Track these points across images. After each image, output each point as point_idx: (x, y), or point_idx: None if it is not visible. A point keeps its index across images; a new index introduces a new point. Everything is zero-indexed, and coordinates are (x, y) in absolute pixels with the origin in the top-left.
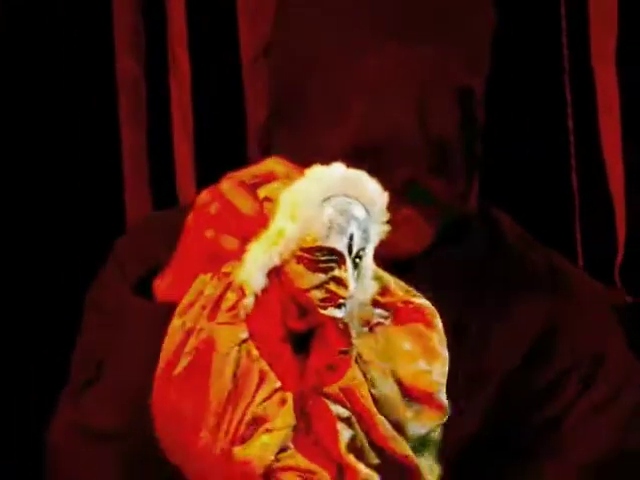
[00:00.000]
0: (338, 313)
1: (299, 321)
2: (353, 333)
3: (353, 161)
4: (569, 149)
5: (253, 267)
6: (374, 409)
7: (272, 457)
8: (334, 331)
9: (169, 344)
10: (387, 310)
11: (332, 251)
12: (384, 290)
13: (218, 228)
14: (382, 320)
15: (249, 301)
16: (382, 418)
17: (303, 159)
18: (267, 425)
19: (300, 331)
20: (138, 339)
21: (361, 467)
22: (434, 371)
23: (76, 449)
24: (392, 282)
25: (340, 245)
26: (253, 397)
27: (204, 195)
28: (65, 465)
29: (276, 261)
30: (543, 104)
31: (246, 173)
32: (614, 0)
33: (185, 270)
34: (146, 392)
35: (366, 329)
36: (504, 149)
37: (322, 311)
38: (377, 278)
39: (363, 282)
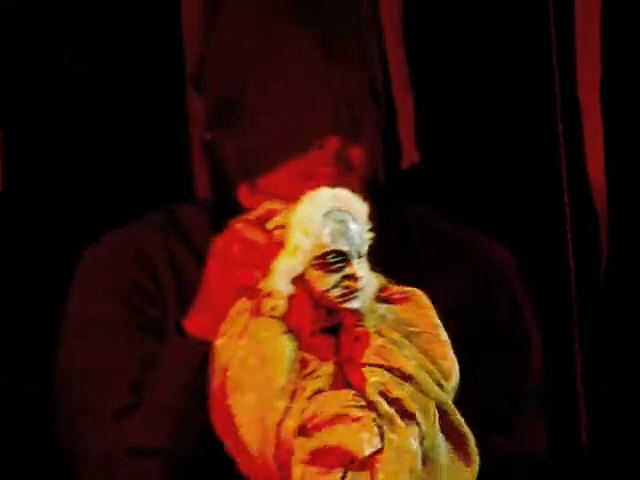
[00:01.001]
0: (355, 304)
1: (327, 319)
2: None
3: (290, 150)
4: (562, 183)
5: (279, 277)
6: (405, 361)
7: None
8: (351, 315)
9: (220, 359)
10: (388, 302)
11: (339, 252)
12: (382, 287)
13: (245, 263)
14: (385, 310)
15: (281, 303)
16: (419, 371)
17: (250, 158)
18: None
19: (329, 326)
20: (180, 372)
21: (385, 406)
22: (440, 334)
23: (123, 468)
24: (383, 279)
25: (344, 247)
26: (303, 388)
27: (221, 241)
28: None
29: (298, 270)
30: (536, 135)
31: (250, 216)
32: (597, 40)
33: (219, 308)
34: (189, 414)
35: (376, 315)
36: (499, 177)
37: (342, 305)
38: (375, 277)
39: (367, 278)
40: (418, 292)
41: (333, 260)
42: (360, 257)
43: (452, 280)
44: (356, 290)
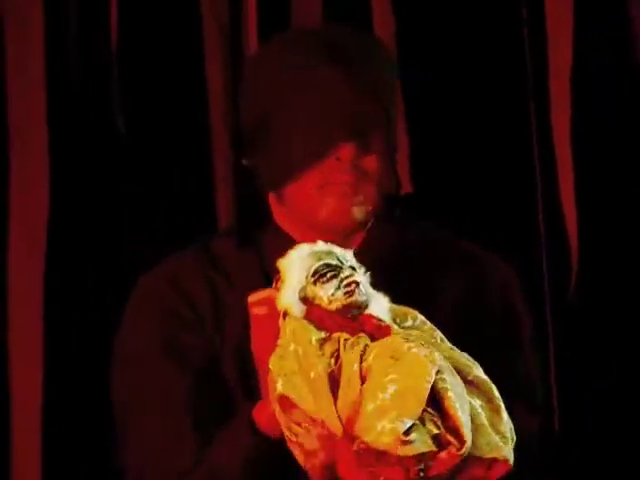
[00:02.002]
0: (361, 297)
1: (350, 324)
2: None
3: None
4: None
5: (287, 297)
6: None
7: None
8: (369, 318)
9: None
10: (402, 327)
11: (329, 265)
12: (393, 311)
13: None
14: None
15: (297, 311)
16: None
17: (276, 171)
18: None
19: (353, 328)
20: (242, 463)
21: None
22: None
23: None
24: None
25: (333, 261)
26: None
27: (255, 309)
28: None
29: (300, 292)
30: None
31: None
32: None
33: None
34: None
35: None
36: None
37: (349, 299)
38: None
39: (375, 296)
40: (417, 314)
41: (327, 270)
42: (354, 269)
43: (452, 284)
44: (357, 284)
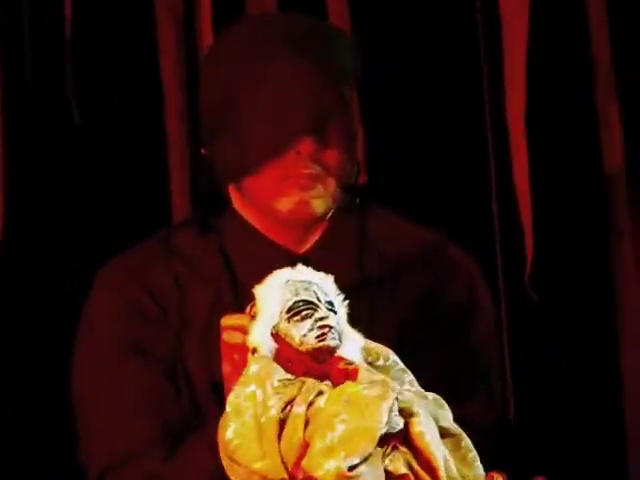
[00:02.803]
0: (332, 342)
1: (317, 366)
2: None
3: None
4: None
5: (258, 335)
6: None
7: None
8: (338, 360)
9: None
10: (374, 367)
11: (306, 301)
12: (366, 350)
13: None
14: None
15: (264, 351)
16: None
17: (235, 163)
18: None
19: (320, 371)
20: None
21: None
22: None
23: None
24: (363, 341)
25: (310, 297)
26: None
27: (225, 348)
28: None
29: (275, 320)
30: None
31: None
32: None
33: None
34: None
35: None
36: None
37: (320, 344)
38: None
39: (346, 333)
40: (390, 353)
41: (302, 308)
42: (331, 309)
43: (415, 276)
44: (330, 328)
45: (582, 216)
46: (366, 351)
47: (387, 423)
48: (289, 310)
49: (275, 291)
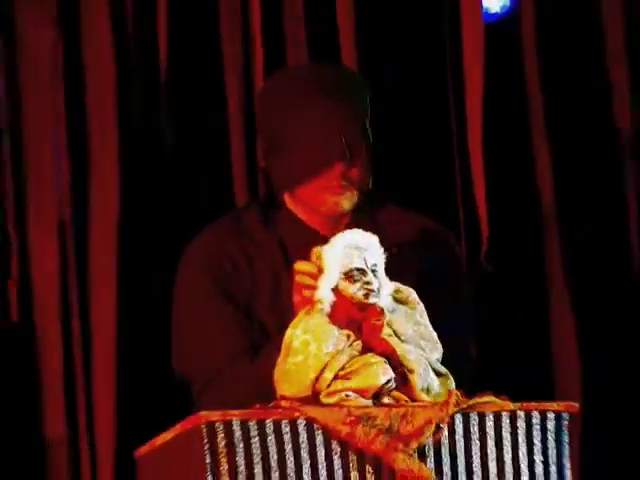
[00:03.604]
0: (373, 299)
1: (358, 315)
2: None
3: (318, 168)
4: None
5: (322, 290)
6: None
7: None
8: (373, 310)
9: (285, 340)
10: (399, 302)
11: (358, 269)
12: (396, 290)
13: (308, 287)
14: (396, 306)
15: (326, 306)
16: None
17: (288, 176)
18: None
19: (359, 319)
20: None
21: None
22: (427, 325)
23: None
24: (394, 285)
25: (360, 264)
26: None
27: (296, 277)
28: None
29: (334, 284)
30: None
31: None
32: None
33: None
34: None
35: (390, 309)
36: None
37: (365, 299)
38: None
39: (382, 284)
40: (413, 294)
41: (355, 273)
42: (374, 271)
43: (415, 250)
44: (372, 291)
45: (521, 211)
46: (396, 291)
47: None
48: (346, 274)
49: (337, 255)
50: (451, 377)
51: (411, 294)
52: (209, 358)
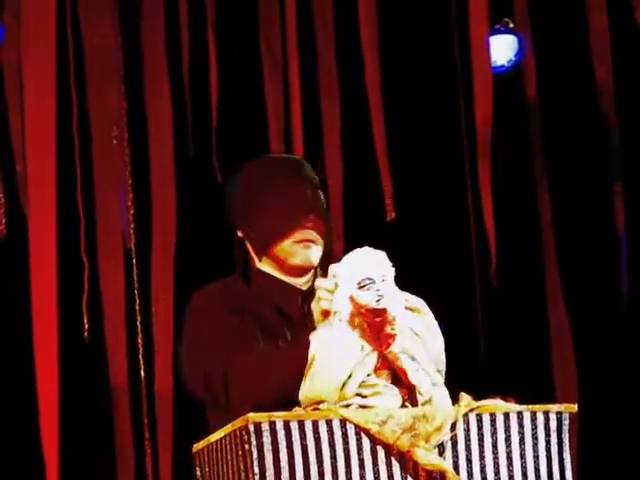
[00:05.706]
0: (382, 304)
1: (374, 324)
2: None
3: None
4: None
5: (339, 300)
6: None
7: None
8: (386, 317)
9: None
10: (409, 309)
11: (369, 279)
12: (406, 299)
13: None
14: (408, 315)
15: (344, 315)
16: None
17: (264, 239)
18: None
19: (375, 327)
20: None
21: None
22: (439, 341)
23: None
24: (404, 295)
25: (370, 273)
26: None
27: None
28: None
29: (350, 294)
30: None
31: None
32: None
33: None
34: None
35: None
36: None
37: (377, 305)
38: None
39: (394, 295)
40: (422, 302)
41: (367, 282)
42: (383, 280)
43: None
44: (382, 296)
45: (524, 237)
46: (406, 300)
47: None
48: (359, 284)
49: (350, 269)
50: (445, 388)
51: (420, 303)
52: (222, 355)
